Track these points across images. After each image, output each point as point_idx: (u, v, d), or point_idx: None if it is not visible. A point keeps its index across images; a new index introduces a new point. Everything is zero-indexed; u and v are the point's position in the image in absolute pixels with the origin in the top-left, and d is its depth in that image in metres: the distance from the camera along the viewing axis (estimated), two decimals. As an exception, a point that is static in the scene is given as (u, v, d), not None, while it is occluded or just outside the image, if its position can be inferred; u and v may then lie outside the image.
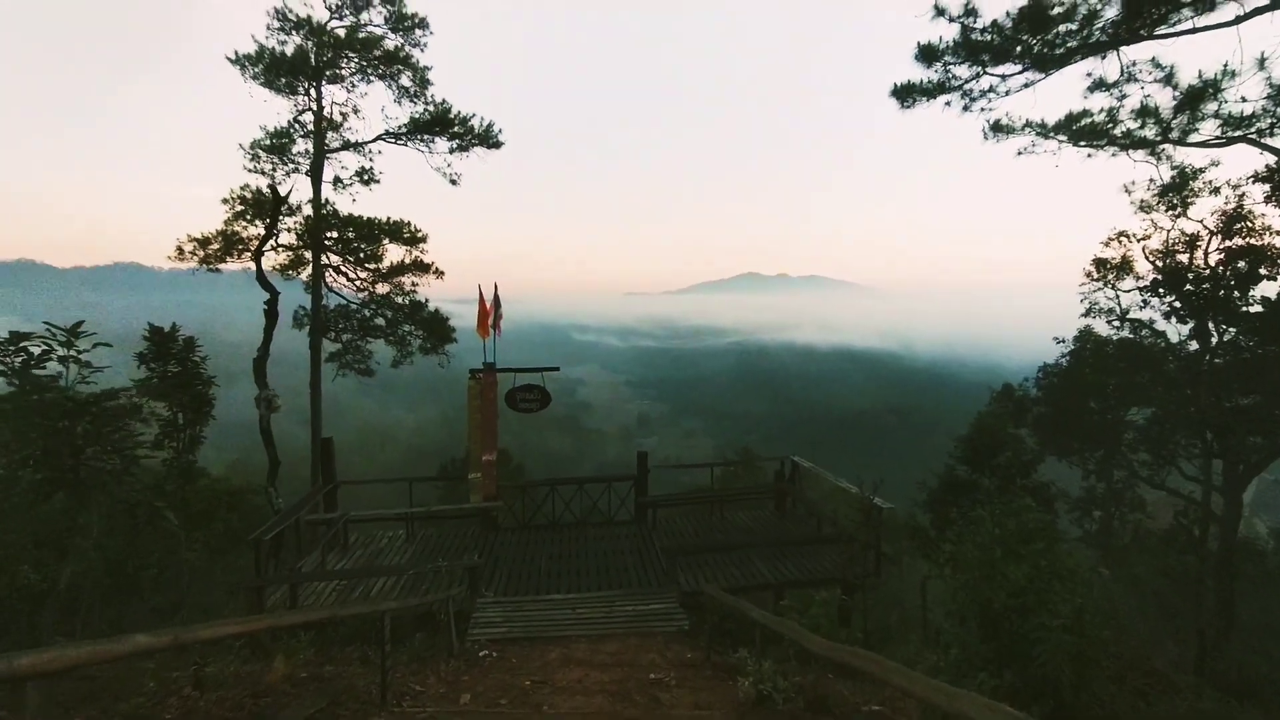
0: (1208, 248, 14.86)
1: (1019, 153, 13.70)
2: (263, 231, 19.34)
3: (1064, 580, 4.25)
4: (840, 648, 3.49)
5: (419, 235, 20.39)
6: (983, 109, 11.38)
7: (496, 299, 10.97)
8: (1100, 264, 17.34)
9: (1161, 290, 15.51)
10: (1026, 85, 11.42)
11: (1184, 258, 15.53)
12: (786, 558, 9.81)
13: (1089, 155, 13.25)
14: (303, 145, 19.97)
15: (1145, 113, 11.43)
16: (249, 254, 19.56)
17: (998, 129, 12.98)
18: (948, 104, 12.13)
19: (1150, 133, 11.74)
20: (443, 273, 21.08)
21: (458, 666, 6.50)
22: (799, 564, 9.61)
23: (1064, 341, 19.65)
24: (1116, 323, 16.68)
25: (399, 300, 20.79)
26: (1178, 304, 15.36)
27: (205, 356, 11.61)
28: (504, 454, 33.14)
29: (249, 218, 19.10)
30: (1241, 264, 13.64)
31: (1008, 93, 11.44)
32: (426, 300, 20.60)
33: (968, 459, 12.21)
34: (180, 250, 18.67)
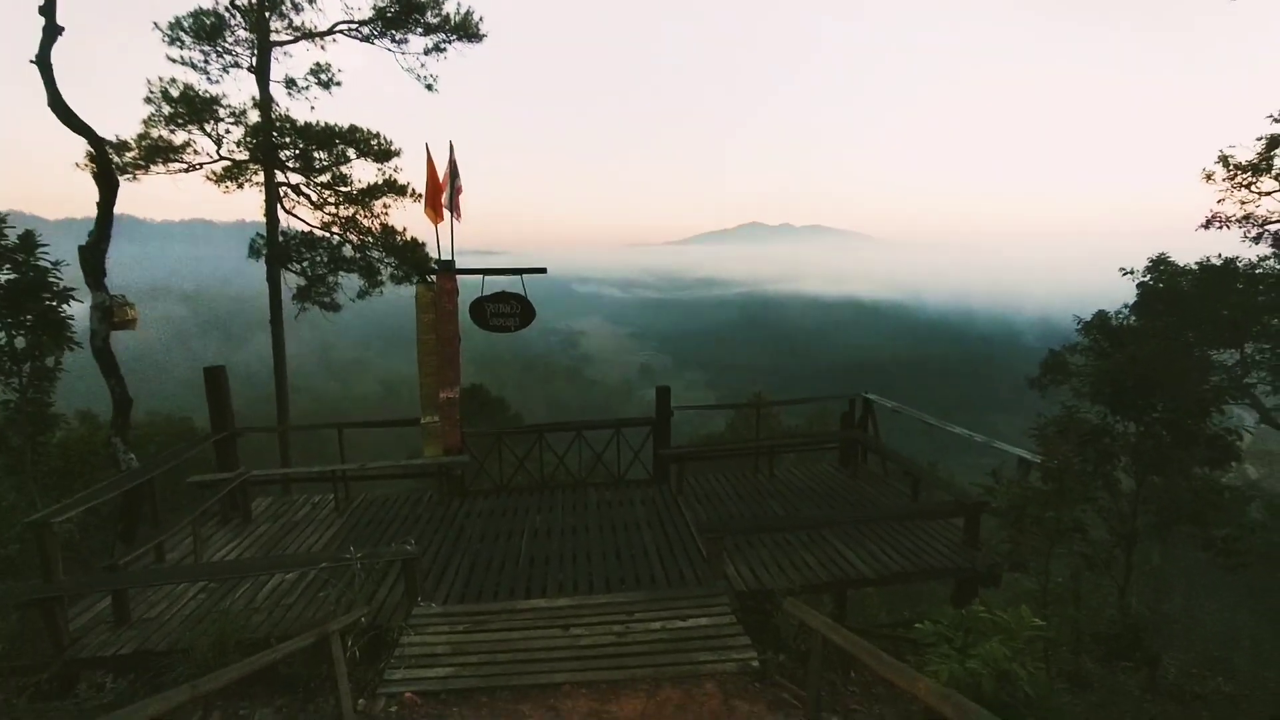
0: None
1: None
2: (195, 137, 15.93)
3: None
4: None
5: (389, 148, 16.80)
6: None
7: (453, 166, 7.56)
8: (1230, 161, 13.80)
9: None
10: None
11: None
12: (868, 537, 6.74)
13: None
14: (244, 35, 16.31)
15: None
16: (177, 164, 16.19)
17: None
18: None
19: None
20: (421, 195, 17.64)
21: (345, 764, 3.47)
22: (897, 546, 6.54)
23: (1132, 273, 16.41)
24: (1256, 232, 13.28)
25: (366, 223, 17.46)
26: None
27: (58, 261, 8.23)
28: (500, 401, 29.94)
29: (181, 121, 15.57)
30: None
31: None
32: (405, 229, 17.26)
33: (1110, 399, 8.98)
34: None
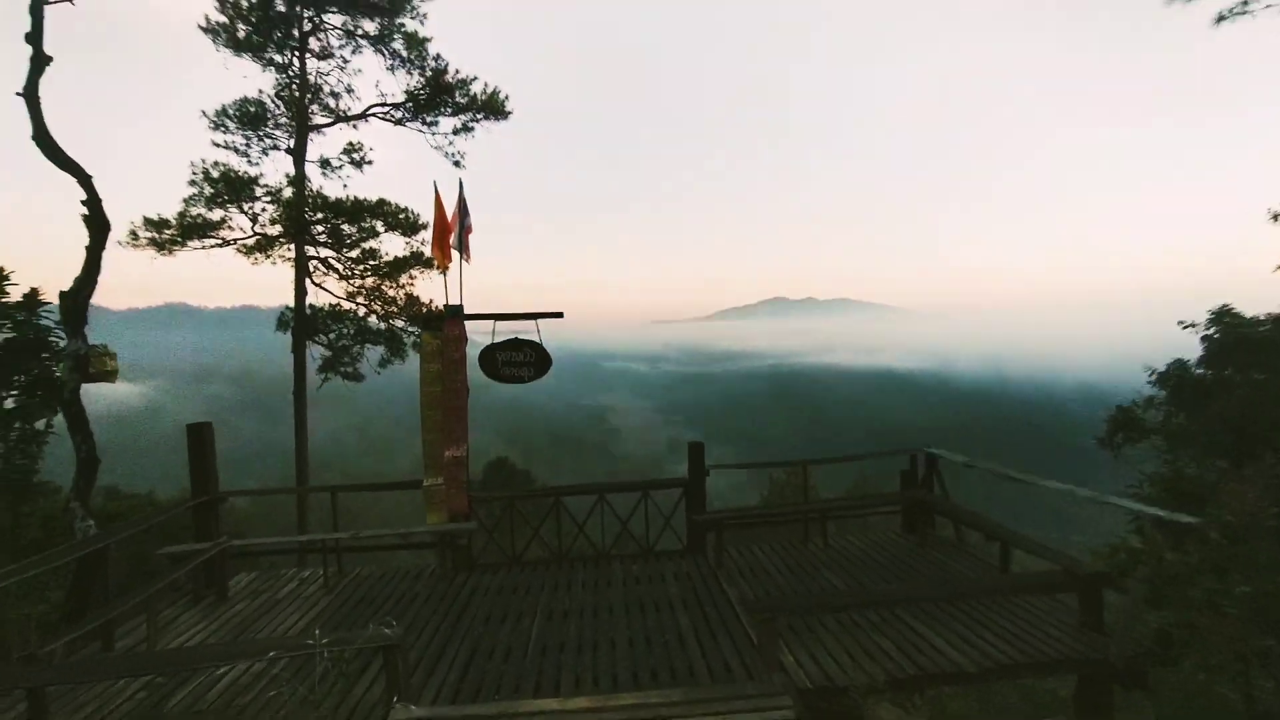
0: None
1: (1219, 18, 9.56)
2: (233, 215, 16.41)
3: None
4: None
5: (417, 222, 17.00)
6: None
7: (462, 204, 7.08)
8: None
9: None
10: None
11: None
12: (955, 618, 5.48)
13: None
14: (284, 121, 17.08)
15: None
16: (212, 240, 16.60)
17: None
18: None
19: None
20: (448, 267, 17.75)
21: None
22: (995, 629, 5.26)
23: (1194, 326, 15.14)
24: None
25: (391, 293, 17.47)
26: None
27: (59, 323, 7.80)
28: (525, 475, 28.68)
29: (222, 201, 16.07)
30: None
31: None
32: (431, 301, 17.19)
33: (1230, 448, 7.70)
34: (134, 235, 15.63)
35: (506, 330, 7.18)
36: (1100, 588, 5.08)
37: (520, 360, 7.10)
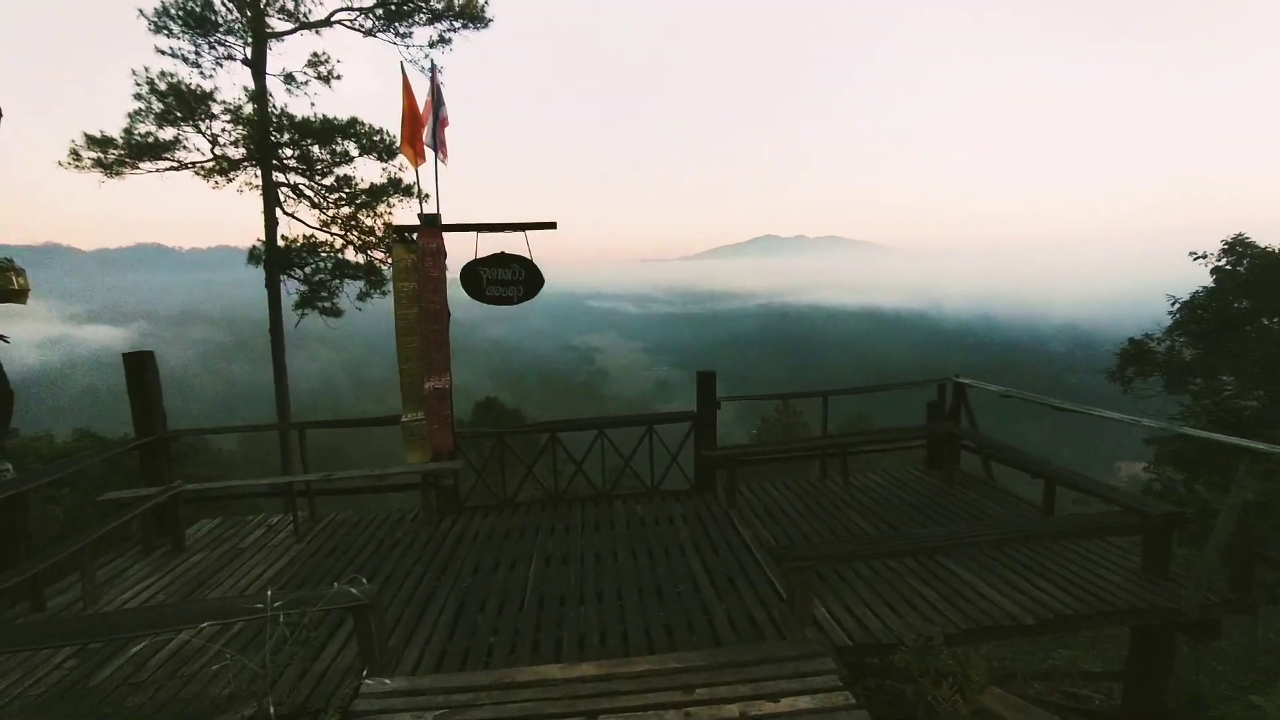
0: None
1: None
2: (188, 135, 14.88)
3: None
4: None
5: (391, 144, 15.54)
6: None
7: (436, 94, 5.97)
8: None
9: None
10: None
11: None
12: (1001, 563, 4.92)
13: None
14: (237, 26, 15.24)
15: None
16: (164, 161, 15.14)
17: None
18: None
19: None
20: (428, 196, 16.51)
21: None
22: (1047, 576, 4.70)
23: (1205, 257, 14.43)
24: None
25: (368, 222, 16.27)
26: None
27: None
28: (515, 414, 27.95)
29: (174, 118, 14.49)
30: None
31: None
32: (412, 231, 16.02)
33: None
34: (76, 155, 14.13)
35: (491, 245, 6.26)
36: (1171, 530, 4.50)
37: (508, 278, 6.21)
